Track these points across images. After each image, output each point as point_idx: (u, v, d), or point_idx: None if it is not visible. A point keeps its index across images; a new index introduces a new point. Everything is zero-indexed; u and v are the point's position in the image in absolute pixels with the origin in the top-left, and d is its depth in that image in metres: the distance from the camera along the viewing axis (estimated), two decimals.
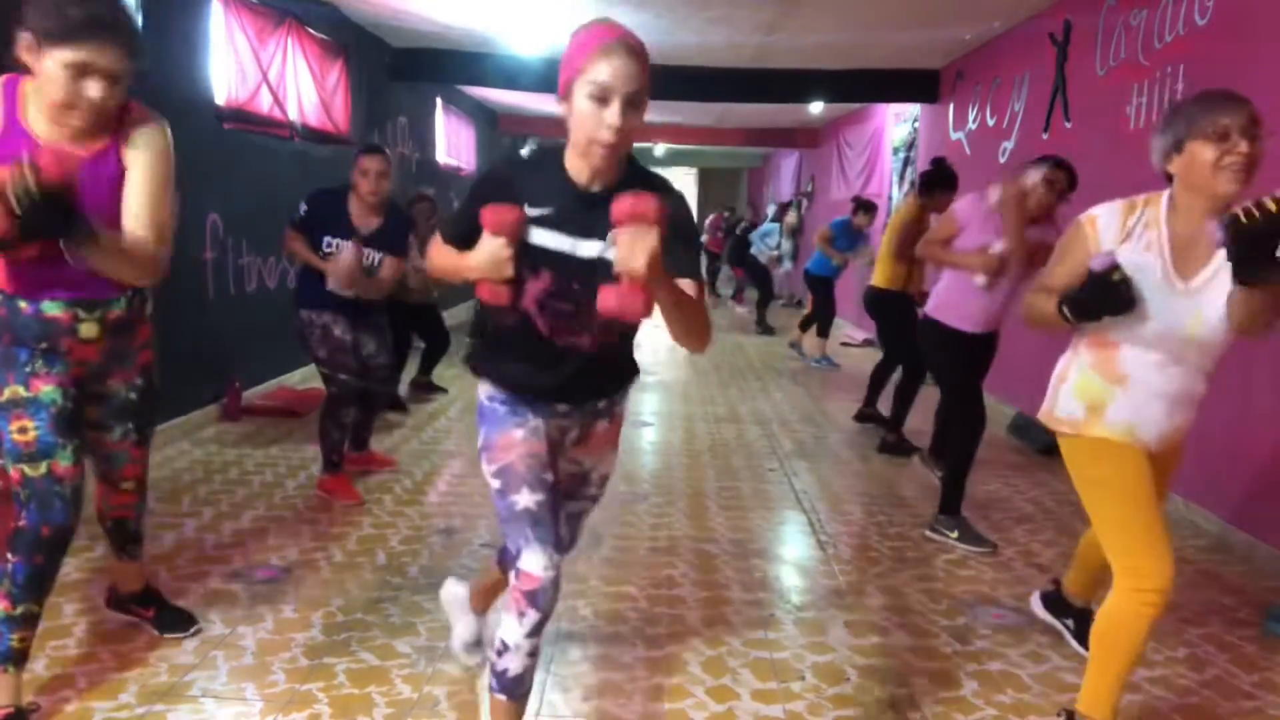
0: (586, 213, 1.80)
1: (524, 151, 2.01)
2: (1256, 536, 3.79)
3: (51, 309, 2.20)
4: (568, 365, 1.93)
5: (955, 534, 3.82)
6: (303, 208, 4.01)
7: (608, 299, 1.59)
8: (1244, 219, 1.85)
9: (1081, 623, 2.83)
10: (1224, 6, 4.21)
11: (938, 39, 7.41)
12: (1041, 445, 5.42)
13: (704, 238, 16.95)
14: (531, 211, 1.82)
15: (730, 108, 11.21)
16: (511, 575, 1.96)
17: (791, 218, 11.24)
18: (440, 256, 1.98)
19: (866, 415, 5.94)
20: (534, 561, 1.92)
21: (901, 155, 9.61)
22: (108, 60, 2.04)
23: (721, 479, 4.68)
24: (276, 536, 3.59)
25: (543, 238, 1.83)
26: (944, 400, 4.35)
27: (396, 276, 4.12)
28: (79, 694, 2.40)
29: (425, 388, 6.43)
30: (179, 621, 2.77)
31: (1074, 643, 2.89)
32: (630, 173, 1.85)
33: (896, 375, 5.52)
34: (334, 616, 2.92)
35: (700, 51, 8.08)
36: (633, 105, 1.74)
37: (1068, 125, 5.81)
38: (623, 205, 1.56)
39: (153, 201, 2.22)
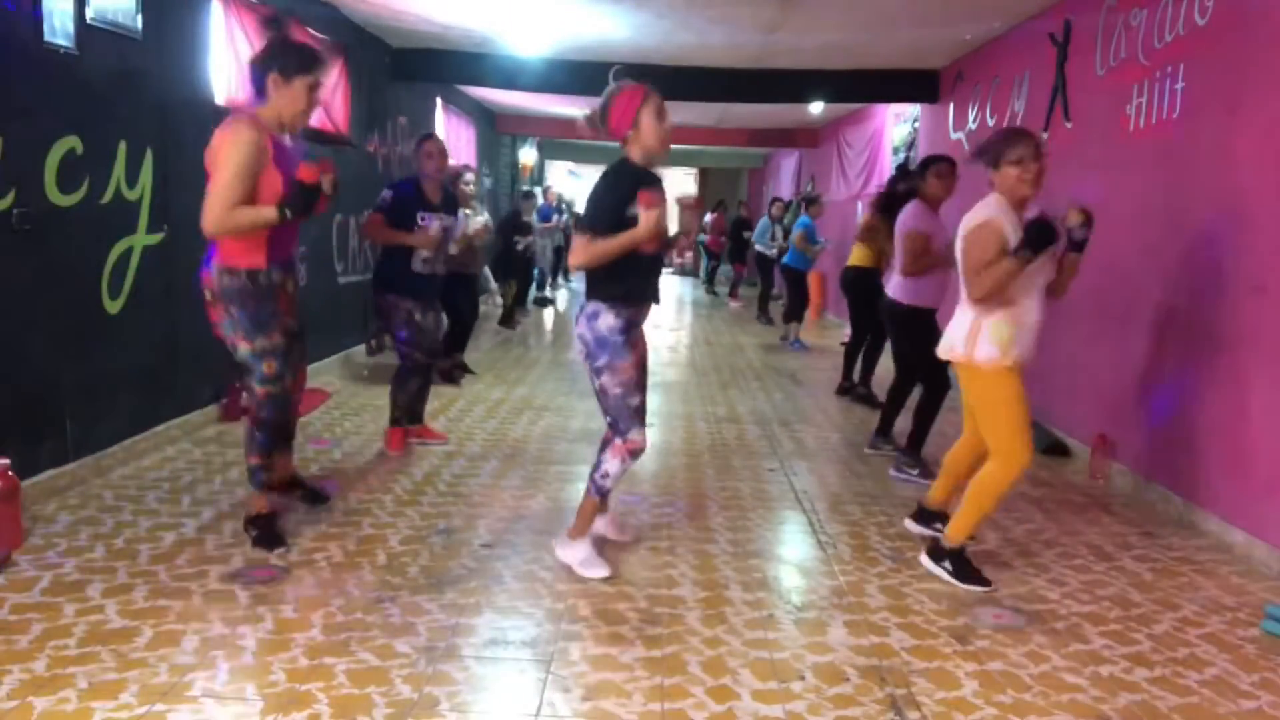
0: (655, 183, 3.18)
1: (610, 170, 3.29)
2: (1256, 536, 3.78)
3: (276, 274, 3.39)
4: (658, 273, 3.36)
5: (916, 470, 4.75)
6: (387, 194, 4.79)
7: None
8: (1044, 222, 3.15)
9: (959, 562, 3.46)
10: (1224, 6, 4.21)
11: (938, 39, 7.41)
12: (1042, 445, 5.42)
13: (705, 237, 16.97)
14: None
15: (731, 108, 11.21)
16: (618, 440, 3.29)
17: (778, 209, 11.77)
18: (595, 246, 3.11)
19: (845, 389, 6.95)
20: (640, 434, 3.31)
21: (901, 155, 9.61)
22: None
23: (721, 479, 4.68)
24: None
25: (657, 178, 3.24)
26: (899, 373, 5.17)
27: (488, 227, 5.25)
28: (79, 694, 2.40)
29: (462, 368, 7.03)
30: (318, 497, 3.95)
31: (955, 581, 3.40)
32: None
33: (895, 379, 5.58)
34: (334, 616, 2.91)
35: (701, 51, 8.08)
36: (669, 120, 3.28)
37: (1068, 125, 5.80)
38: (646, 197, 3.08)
39: None
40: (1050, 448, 5.36)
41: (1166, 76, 4.63)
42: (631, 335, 3.25)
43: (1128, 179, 4.96)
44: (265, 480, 3.57)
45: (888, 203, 5.91)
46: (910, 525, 3.92)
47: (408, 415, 4.99)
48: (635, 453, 3.30)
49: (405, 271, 4.71)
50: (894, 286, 4.96)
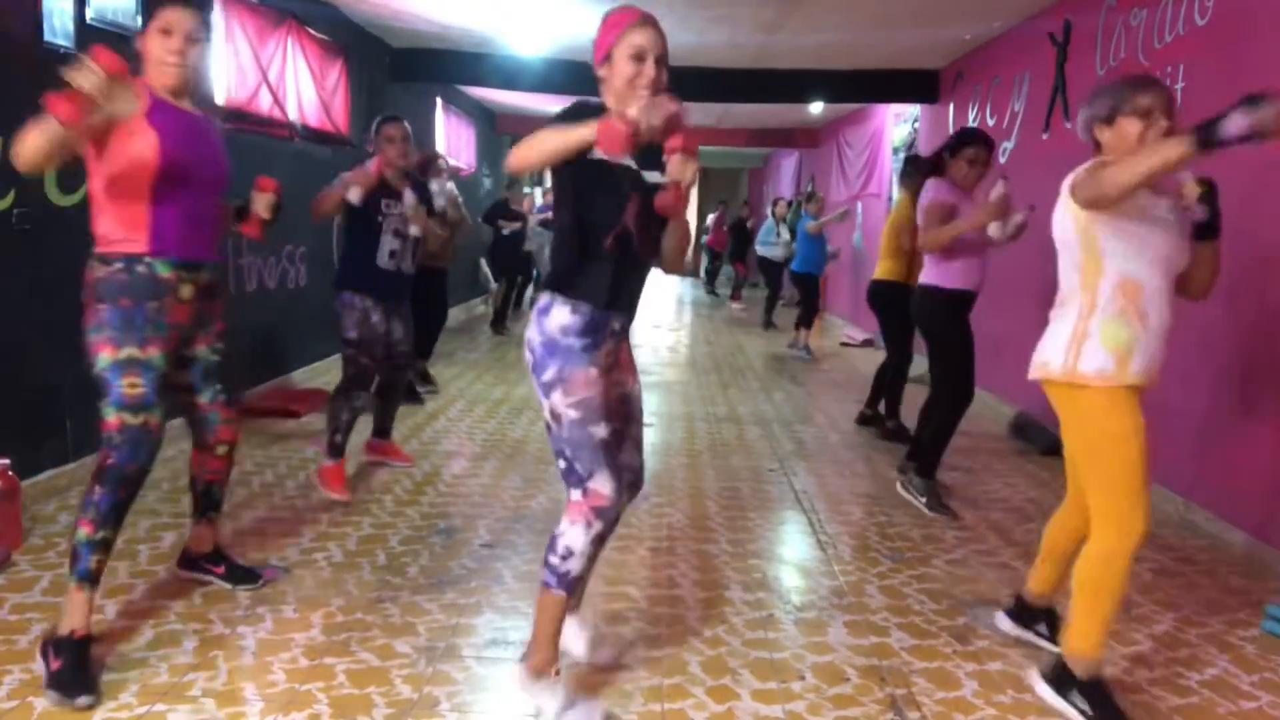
0: (648, 149, 2.15)
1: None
2: (1256, 536, 3.79)
3: (164, 270, 2.58)
4: (635, 278, 2.35)
5: (925, 499, 4.22)
6: (345, 175, 4.10)
7: (665, 199, 2.16)
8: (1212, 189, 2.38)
9: (1052, 622, 2.87)
10: (1224, 6, 4.21)
11: (938, 39, 7.41)
12: (1042, 445, 5.43)
13: (706, 236, 16.97)
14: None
15: (730, 108, 11.21)
16: (578, 494, 2.27)
17: (782, 208, 11.67)
18: (539, 135, 2.11)
19: (867, 417, 5.95)
20: (606, 484, 2.26)
21: (901, 155, 9.60)
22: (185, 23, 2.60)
23: (721, 479, 4.68)
24: (276, 536, 3.59)
25: (630, 164, 2.25)
26: (934, 381, 4.35)
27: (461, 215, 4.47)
28: None
29: (423, 378, 6.40)
30: (249, 575, 3.09)
31: (1051, 646, 2.82)
32: None
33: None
34: (334, 616, 2.91)
35: (701, 51, 8.08)
36: (661, 64, 2.26)
37: (1068, 125, 5.80)
38: (679, 140, 2.09)
39: None
40: (1050, 448, 5.36)
41: (1166, 76, 4.63)
42: (598, 344, 2.30)
43: None
44: (92, 570, 2.48)
45: (903, 174, 5.52)
46: (1003, 623, 2.97)
47: (377, 433, 4.58)
48: (601, 512, 2.25)
49: (369, 268, 4.11)
50: (925, 270, 4.31)
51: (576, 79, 8.60)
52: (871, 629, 3.00)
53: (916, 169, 5.41)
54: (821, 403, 6.82)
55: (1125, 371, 2.39)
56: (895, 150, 9.88)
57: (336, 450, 4.11)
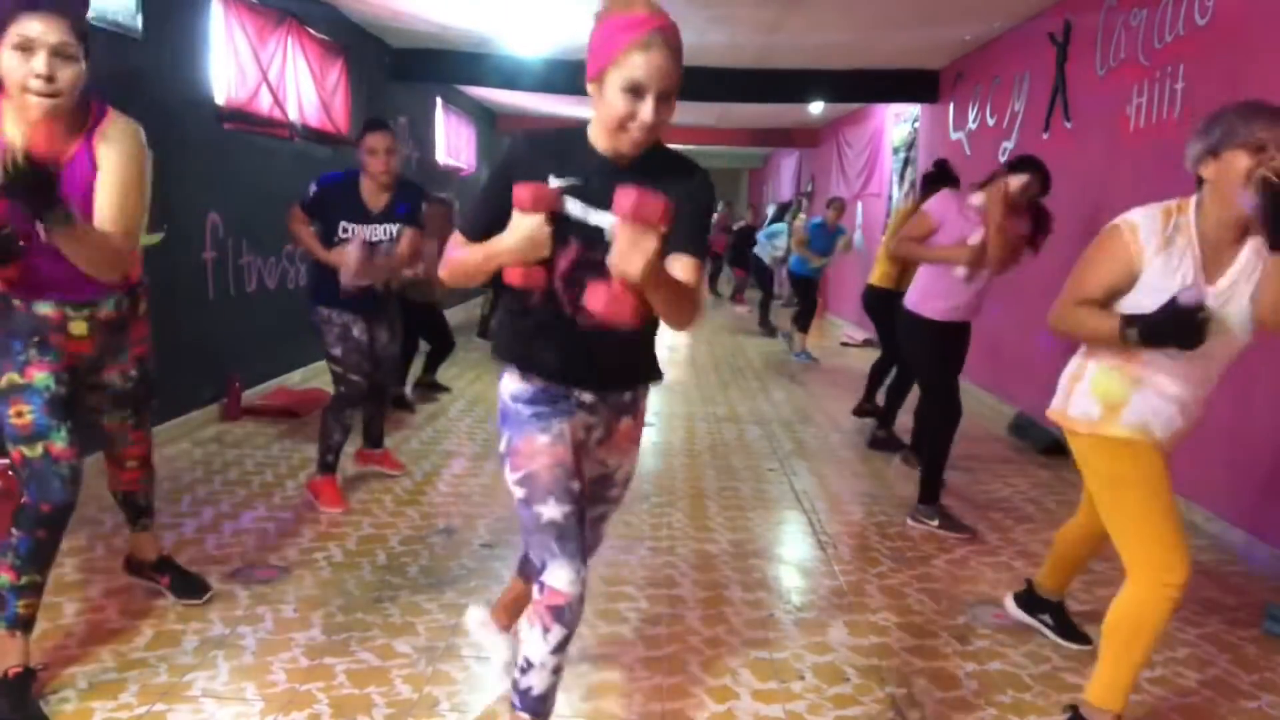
0: (615, 184, 1.58)
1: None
2: (1256, 536, 3.79)
3: (43, 308, 2.34)
4: (594, 348, 1.86)
5: (936, 522, 4.00)
6: (312, 188, 3.87)
7: (596, 298, 1.53)
8: (1276, 178, 1.93)
9: (1059, 615, 2.96)
10: (1224, 6, 4.21)
11: (938, 39, 7.41)
12: (1042, 445, 5.43)
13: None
14: (560, 182, 1.79)
15: (731, 108, 11.20)
16: (535, 589, 1.90)
17: (799, 221, 11.44)
18: (462, 252, 1.86)
19: (864, 410, 6.02)
20: (560, 577, 1.86)
21: (901, 155, 9.61)
22: (53, 35, 2.21)
23: (721, 479, 4.68)
24: (276, 536, 3.59)
25: (571, 207, 1.79)
26: (922, 395, 4.38)
27: (416, 249, 3.92)
28: (79, 694, 2.40)
29: (430, 387, 6.41)
30: (194, 588, 2.94)
31: (1053, 636, 2.95)
32: (655, 148, 1.82)
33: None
34: (334, 616, 2.91)
35: (701, 51, 8.07)
36: (665, 100, 1.72)
37: (1068, 125, 5.80)
38: (625, 201, 1.47)
39: (120, 200, 2.31)
40: (1050, 447, 5.36)
41: (1166, 76, 4.63)
42: (556, 414, 1.91)
43: (1128, 179, 4.96)
44: (20, 616, 2.32)
45: (928, 181, 5.27)
46: (1010, 607, 3.07)
47: (369, 442, 4.44)
48: (558, 613, 1.87)
49: (337, 283, 3.76)
50: (910, 293, 4.21)
51: (576, 79, 8.54)
52: (871, 629, 3.00)
53: (945, 182, 5.06)
54: (821, 403, 6.82)
55: (1112, 422, 2.27)
56: (895, 150, 9.88)
57: (328, 468, 3.98)
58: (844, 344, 10.42)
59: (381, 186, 3.85)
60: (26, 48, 2.16)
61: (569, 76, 8.60)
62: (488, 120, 13.15)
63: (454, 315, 9.92)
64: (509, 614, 2.44)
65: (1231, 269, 2.17)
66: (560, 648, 1.90)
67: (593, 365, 1.90)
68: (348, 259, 3.69)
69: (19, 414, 2.28)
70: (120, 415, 2.68)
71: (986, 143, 7.23)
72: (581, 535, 1.91)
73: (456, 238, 1.89)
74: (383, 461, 4.48)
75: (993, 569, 3.57)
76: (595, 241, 1.77)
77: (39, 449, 2.28)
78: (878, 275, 5.78)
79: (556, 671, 1.93)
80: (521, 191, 1.71)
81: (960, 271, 3.92)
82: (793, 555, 3.71)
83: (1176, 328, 2.04)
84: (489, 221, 1.82)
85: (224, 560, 3.32)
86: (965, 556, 3.70)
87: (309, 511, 3.88)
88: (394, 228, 3.87)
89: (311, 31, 6.60)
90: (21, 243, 2.21)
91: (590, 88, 1.80)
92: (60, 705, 2.35)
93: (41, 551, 2.31)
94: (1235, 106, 2.15)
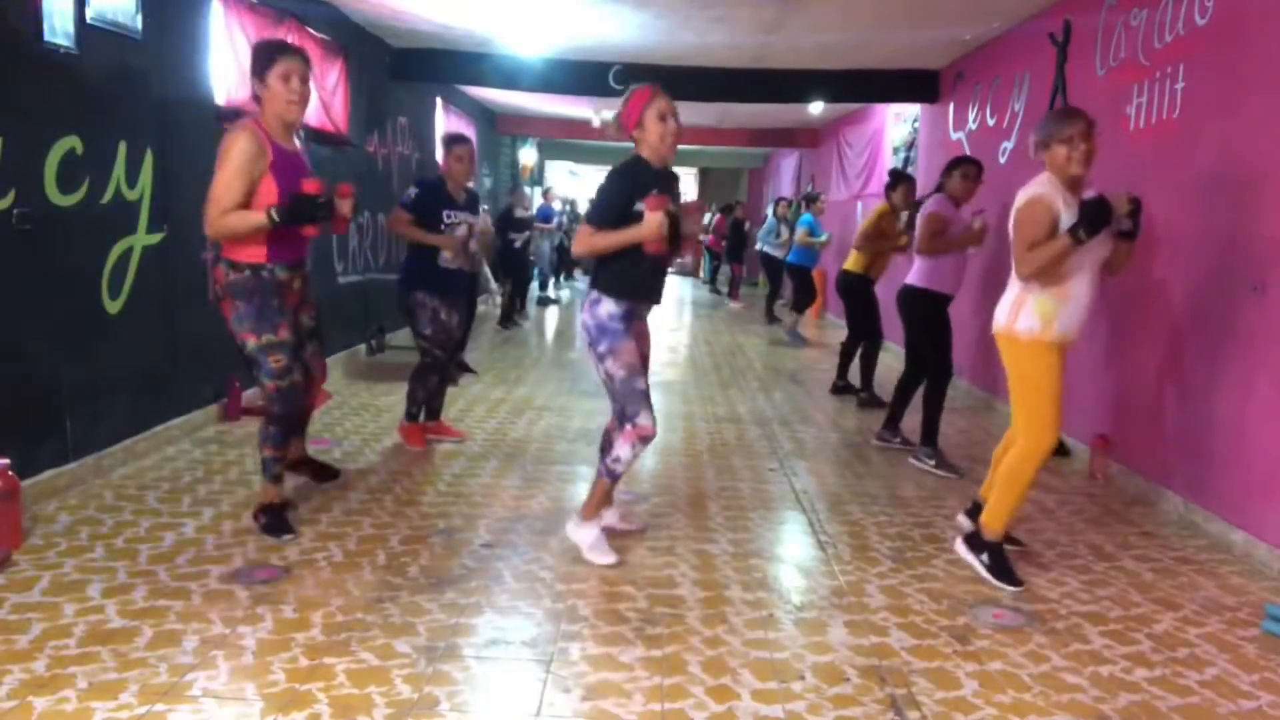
0: (668, 184, 3.40)
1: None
2: (1256, 536, 3.78)
3: (281, 272, 3.50)
4: (660, 276, 3.46)
5: (933, 462, 4.89)
6: (413, 191, 4.89)
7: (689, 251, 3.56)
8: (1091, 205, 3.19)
9: (996, 556, 3.44)
10: (1224, 7, 4.21)
11: (938, 39, 7.41)
12: None
13: (707, 237, 17.00)
14: (655, 190, 3.26)
15: (730, 108, 11.21)
16: (628, 425, 3.35)
17: (783, 208, 12.06)
18: (599, 238, 3.25)
19: (840, 387, 7.06)
20: (649, 418, 3.37)
21: (901, 155, 9.61)
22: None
23: (721, 479, 4.68)
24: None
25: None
26: (910, 362, 5.32)
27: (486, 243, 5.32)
28: (79, 694, 2.40)
29: (461, 367, 7.04)
30: (328, 474, 4.26)
31: (987, 575, 3.42)
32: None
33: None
34: (334, 616, 2.91)
35: (701, 51, 8.07)
36: (677, 119, 3.37)
37: None
38: (652, 200, 3.20)
39: None
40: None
41: (1166, 76, 4.63)
42: (631, 325, 3.37)
43: (1128, 179, 4.96)
44: (278, 472, 3.67)
45: (892, 181, 6.71)
46: (962, 519, 3.90)
47: (427, 412, 5.10)
48: (645, 438, 3.35)
49: (434, 269, 4.81)
50: (913, 272, 5.18)
51: (576, 79, 8.61)
52: (871, 629, 3.00)
53: (896, 182, 6.72)
54: (821, 403, 6.82)
55: (1048, 332, 3.32)
56: (895, 150, 9.88)
57: (413, 417, 5.00)
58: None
59: (460, 187, 5.00)
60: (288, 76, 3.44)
61: (569, 76, 8.60)
62: (488, 120, 13.15)
63: None
64: (594, 509, 3.49)
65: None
66: (636, 455, 3.41)
67: (660, 286, 3.49)
68: (459, 234, 4.87)
69: (277, 360, 3.49)
70: (314, 346, 3.83)
71: (986, 143, 7.22)
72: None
73: (588, 229, 3.29)
74: (443, 431, 5.17)
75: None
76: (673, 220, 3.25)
77: (288, 380, 3.53)
78: (852, 262, 6.81)
79: (630, 463, 3.42)
80: (652, 202, 3.17)
81: (973, 250, 5.14)
82: (793, 555, 3.71)
83: (1100, 211, 3.15)
84: (616, 218, 3.24)
85: (224, 560, 3.32)
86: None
87: (309, 511, 3.88)
88: (472, 216, 5.04)
89: (311, 31, 6.60)
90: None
91: (635, 133, 3.36)
92: (60, 705, 2.35)
93: (288, 437, 3.73)
94: (1052, 113, 3.41)
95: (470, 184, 5.02)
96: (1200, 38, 4.36)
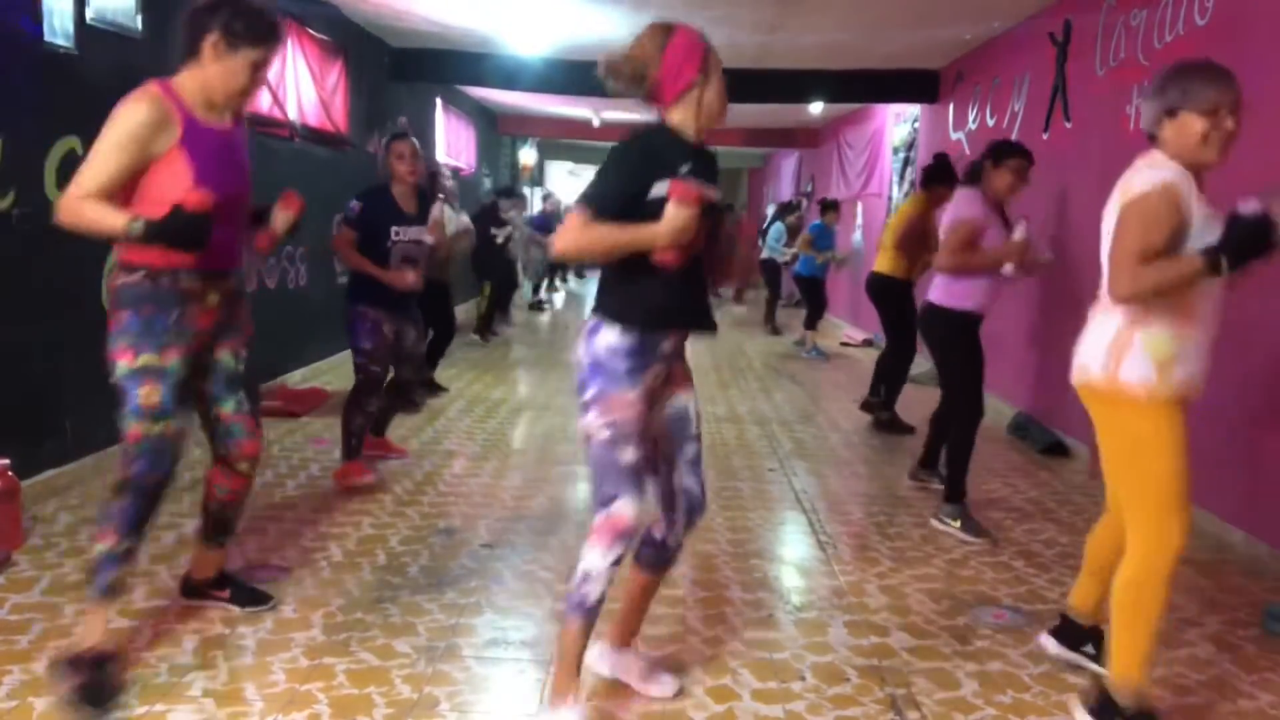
0: (705, 165, 2.28)
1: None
2: (1256, 536, 3.78)
3: (188, 280, 2.47)
4: (697, 291, 2.34)
5: (958, 524, 3.93)
6: (354, 205, 4.29)
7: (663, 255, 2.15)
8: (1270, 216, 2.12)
9: (1099, 642, 2.70)
10: (1224, 7, 4.21)
11: (938, 39, 7.41)
12: (1042, 445, 5.43)
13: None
14: (686, 170, 2.18)
15: (731, 108, 11.12)
16: (600, 514, 2.24)
17: (795, 219, 11.61)
18: (598, 231, 2.12)
19: (871, 404, 6.07)
20: (629, 507, 2.23)
21: (901, 155, 9.60)
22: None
23: (721, 479, 4.68)
24: (276, 536, 3.58)
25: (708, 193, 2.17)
26: (945, 394, 4.26)
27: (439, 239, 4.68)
28: None
29: (429, 386, 6.32)
30: (257, 598, 2.94)
31: (1098, 668, 2.66)
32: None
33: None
34: (334, 616, 2.91)
35: None
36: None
37: (1068, 125, 5.80)
38: (675, 189, 2.09)
39: None
40: (1050, 447, 5.36)
41: None
42: (644, 367, 2.25)
43: None
44: (113, 583, 2.44)
45: (928, 177, 5.59)
46: (1048, 645, 2.80)
47: (373, 430, 4.61)
48: (621, 535, 2.23)
49: (379, 283, 4.21)
50: (935, 288, 4.14)
51: (576, 79, 8.59)
52: (871, 629, 3.00)
53: (944, 178, 5.46)
54: (821, 403, 6.82)
55: (1167, 382, 2.28)
56: (895, 150, 9.88)
57: (353, 453, 4.30)
58: (844, 344, 10.42)
59: (409, 190, 4.39)
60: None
61: (569, 76, 8.59)
62: (488, 120, 13.15)
63: (455, 315, 9.91)
64: (571, 671, 2.34)
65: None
66: (617, 561, 2.25)
67: (702, 309, 2.40)
68: (409, 280, 4.26)
69: (149, 395, 2.41)
70: (235, 400, 2.69)
71: (987, 143, 7.21)
72: (645, 476, 2.35)
73: (579, 217, 2.13)
74: (386, 448, 4.75)
75: (993, 569, 3.57)
76: (712, 213, 2.22)
77: (159, 428, 2.42)
78: (884, 264, 5.81)
79: (610, 581, 2.27)
80: (686, 190, 2.07)
81: (1009, 268, 3.90)
82: (793, 555, 3.71)
83: (1258, 235, 2.11)
84: (625, 207, 2.13)
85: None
86: (965, 556, 3.70)
87: (309, 511, 3.88)
88: (423, 230, 4.44)
89: (311, 31, 6.60)
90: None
91: (685, 94, 2.29)
92: (60, 705, 2.35)
93: (144, 519, 2.45)
94: (1192, 67, 2.35)
95: (417, 180, 4.45)
96: (1200, 38, 4.36)
